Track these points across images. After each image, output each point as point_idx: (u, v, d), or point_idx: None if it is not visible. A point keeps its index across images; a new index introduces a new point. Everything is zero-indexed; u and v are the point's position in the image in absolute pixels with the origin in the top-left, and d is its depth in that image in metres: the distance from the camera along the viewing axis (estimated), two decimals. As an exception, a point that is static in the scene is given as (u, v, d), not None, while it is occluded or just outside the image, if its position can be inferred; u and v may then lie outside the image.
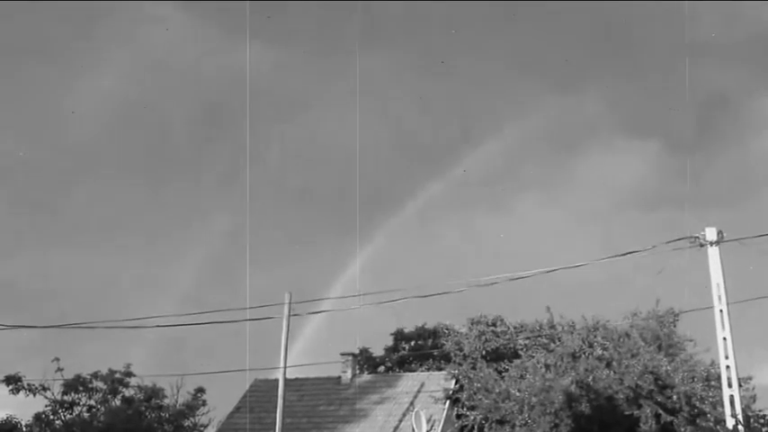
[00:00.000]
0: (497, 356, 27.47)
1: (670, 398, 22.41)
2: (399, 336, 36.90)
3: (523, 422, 23.07)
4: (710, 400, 21.94)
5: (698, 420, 21.75)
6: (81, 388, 26.99)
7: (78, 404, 26.98)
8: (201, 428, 27.94)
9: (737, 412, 16.43)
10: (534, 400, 23.05)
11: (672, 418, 22.16)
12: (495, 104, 57.23)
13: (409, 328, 36.80)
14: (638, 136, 61.46)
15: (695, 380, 22.65)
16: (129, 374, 27.39)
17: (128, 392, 27.27)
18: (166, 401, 27.55)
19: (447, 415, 26.09)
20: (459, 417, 25.43)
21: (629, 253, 17.73)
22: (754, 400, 22.55)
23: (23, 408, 26.92)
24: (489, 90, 57.61)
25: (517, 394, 23.56)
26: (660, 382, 22.64)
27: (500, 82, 58.48)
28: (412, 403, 26.70)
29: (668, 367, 22.87)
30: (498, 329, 28.64)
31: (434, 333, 35.09)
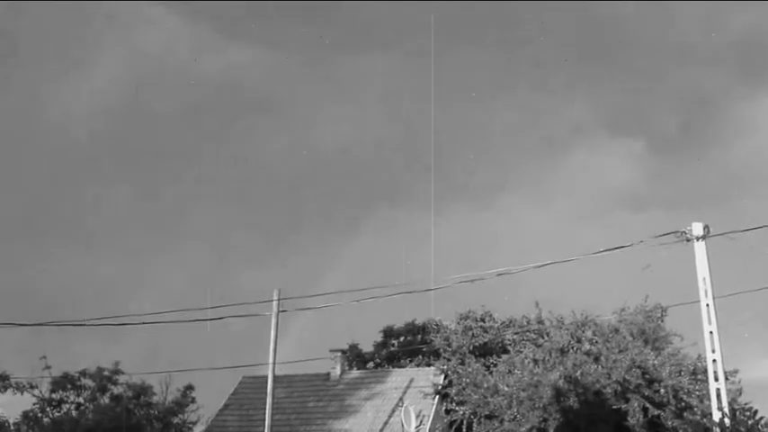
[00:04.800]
0: (486, 351, 27.57)
1: (657, 392, 22.54)
2: (389, 332, 36.93)
3: (512, 417, 23.15)
4: (697, 393, 22.09)
5: (685, 414, 21.88)
6: (69, 386, 26.85)
7: (66, 402, 26.85)
8: (190, 426, 27.87)
9: (724, 405, 16.52)
10: (523, 394, 23.12)
11: (659, 411, 22.30)
12: (482, 104, 57.44)
13: (398, 324, 36.87)
14: (624, 136, 61.86)
15: (682, 374, 22.80)
16: (118, 372, 27.26)
17: (116, 390, 27.13)
18: (155, 399, 27.44)
19: (436, 410, 26.16)
20: (448, 412, 25.48)
21: (617, 248, 17.78)
22: (741, 394, 22.70)
23: (11, 406, 26.81)
24: (475, 89, 57.77)
25: (506, 389, 23.63)
26: (647, 376, 22.77)
27: (486, 80, 58.70)
28: (401, 399, 26.75)
29: (655, 361, 23.00)
30: (487, 325, 28.73)
31: (424, 329, 35.14)
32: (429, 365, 29.81)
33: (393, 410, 26.36)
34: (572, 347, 24.53)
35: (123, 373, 27.31)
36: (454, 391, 25.32)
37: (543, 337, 25.77)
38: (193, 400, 27.80)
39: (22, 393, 26.36)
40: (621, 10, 54.82)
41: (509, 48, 60.34)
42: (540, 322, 27.06)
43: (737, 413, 16.15)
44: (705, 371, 18.47)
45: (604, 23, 59.38)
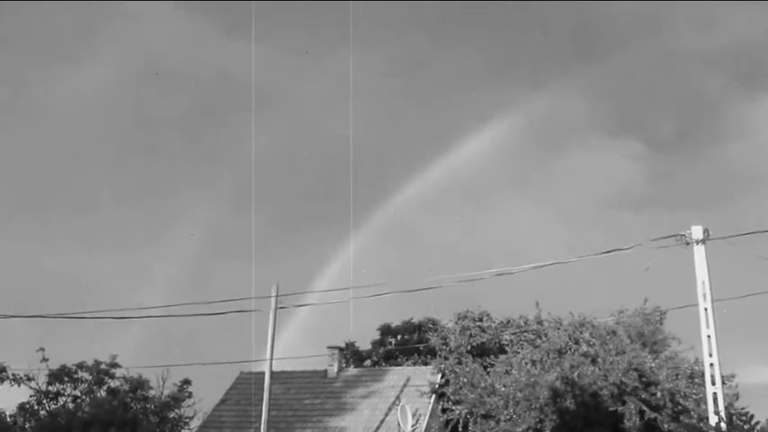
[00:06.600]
0: (483, 351, 27.57)
1: (654, 395, 22.56)
2: (386, 330, 36.92)
3: (508, 417, 23.16)
4: (694, 397, 22.11)
5: (681, 417, 21.91)
6: (66, 378, 26.77)
7: (63, 394, 26.77)
8: (187, 420, 27.82)
9: (720, 410, 16.53)
10: (519, 395, 23.14)
11: (655, 414, 22.31)
12: (479, 102, 57.44)
13: (396, 322, 36.86)
14: (624, 136, 61.92)
15: (679, 377, 22.81)
16: (115, 365, 27.21)
17: (113, 383, 27.08)
18: (152, 393, 27.38)
19: (432, 409, 26.16)
20: (444, 411, 25.49)
21: (615, 250, 17.77)
22: (737, 398, 22.75)
23: (8, 398, 26.73)
24: (473, 88, 57.79)
25: (502, 389, 23.64)
26: (644, 379, 22.78)
27: (484, 80, 58.75)
28: (398, 397, 26.75)
29: (653, 364, 23.02)
30: (484, 325, 28.74)
31: (420, 328, 35.14)
32: (426, 364, 29.80)
33: (389, 409, 26.36)
34: (569, 349, 24.54)
35: (120, 366, 27.29)
36: (451, 390, 25.33)
37: (541, 338, 25.77)
38: (190, 395, 27.75)
39: (18, 385, 26.30)
40: (620, 10, 54.90)
41: (508, 47, 60.37)
42: (539, 323, 27.08)
43: (734, 418, 16.10)
44: (702, 375, 18.47)
45: (603, 24, 59.49)
